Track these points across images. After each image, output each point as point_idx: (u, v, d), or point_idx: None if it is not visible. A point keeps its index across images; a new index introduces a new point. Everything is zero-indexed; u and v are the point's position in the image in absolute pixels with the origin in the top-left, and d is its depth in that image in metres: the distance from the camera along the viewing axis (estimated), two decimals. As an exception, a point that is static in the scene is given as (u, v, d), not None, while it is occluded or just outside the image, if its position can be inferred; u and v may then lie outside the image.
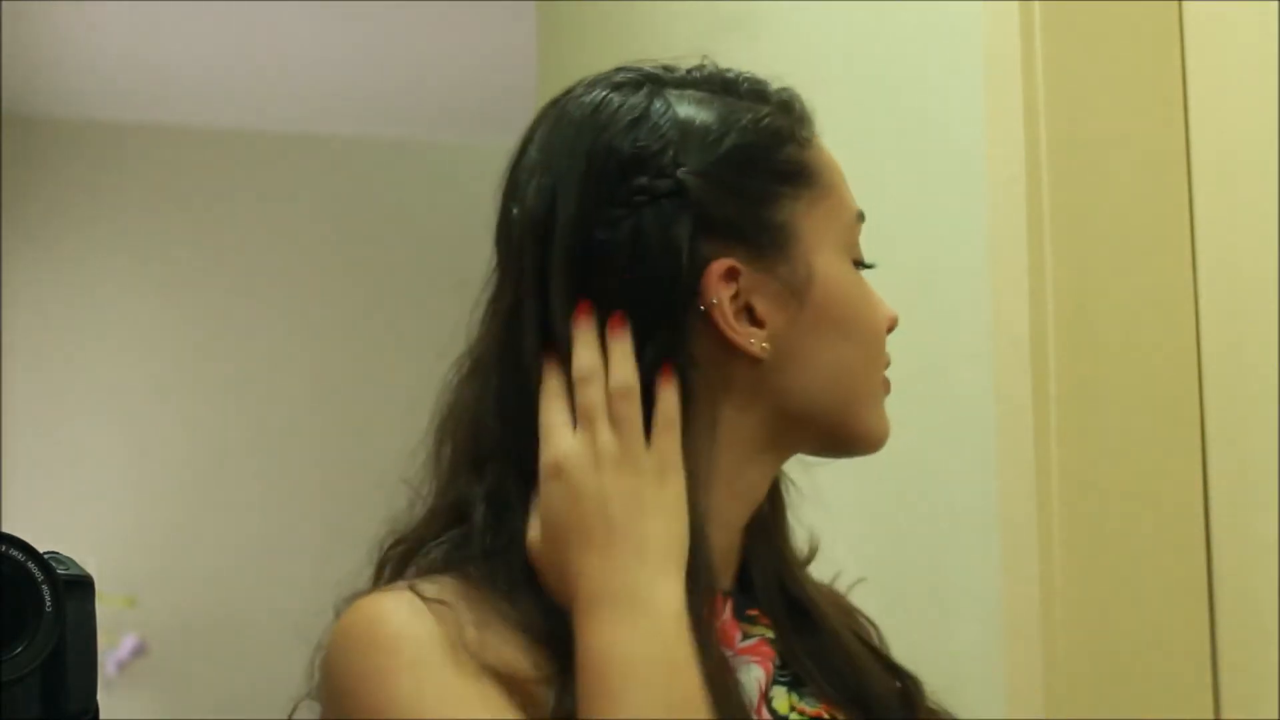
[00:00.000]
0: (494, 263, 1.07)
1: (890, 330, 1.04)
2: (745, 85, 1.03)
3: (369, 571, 1.03)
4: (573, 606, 0.90)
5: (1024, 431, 1.43)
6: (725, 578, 1.00)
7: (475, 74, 4.40)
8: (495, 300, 1.06)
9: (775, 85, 1.04)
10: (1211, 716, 1.40)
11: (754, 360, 0.97)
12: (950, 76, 1.60)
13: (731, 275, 0.97)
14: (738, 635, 1.00)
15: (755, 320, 0.98)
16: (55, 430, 4.58)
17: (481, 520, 0.98)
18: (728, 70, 1.04)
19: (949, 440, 1.60)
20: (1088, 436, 1.42)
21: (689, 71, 1.03)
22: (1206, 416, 1.43)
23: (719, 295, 0.96)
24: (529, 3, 3.14)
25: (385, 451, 4.28)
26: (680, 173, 0.96)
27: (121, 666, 4.47)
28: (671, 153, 0.97)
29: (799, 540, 1.09)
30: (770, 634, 1.02)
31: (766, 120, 1.00)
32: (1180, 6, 1.47)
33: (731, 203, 0.97)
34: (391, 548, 1.03)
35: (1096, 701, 1.40)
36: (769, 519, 1.05)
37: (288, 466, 4.71)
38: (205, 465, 4.67)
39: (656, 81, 1.01)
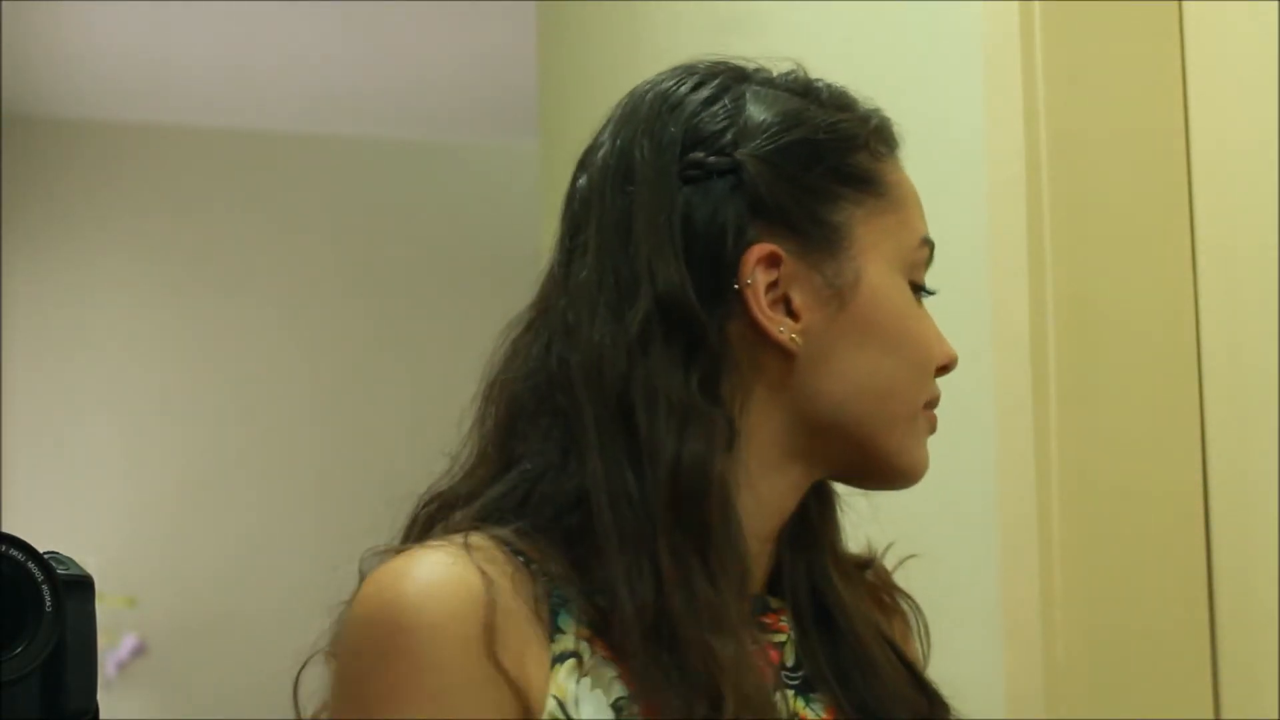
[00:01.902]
0: (558, 239, 1.04)
1: (947, 369, 1.03)
2: (827, 93, 1.03)
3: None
4: None
5: (1024, 431, 1.43)
6: (754, 584, 1.00)
7: (475, 74, 4.40)
8: (563, 265, 1.01)
9: (865, 104, 1.05)
10: (1211, 716, 1.40)
11: (787, 354, 0.97)
12: (950, 76, 1.60)
13: (772, 261, 0.97)
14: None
15: (792, 312, 0.97)
16: (55, 430, 4.58)
17: (522, 478, 0.97)
18: (817, 79, 1.04)
19: (949, 440, 1.60)
20: (1088, 436, 1.42)
21: (776, 74, 1.03)
22: (1206, 416, 1.43)
23: (755, 277, 0.96)
24: (529, 3, 3.14)
25: (384, 452, 4.33)
26: (739, 153, 0.97)
27: (121, 666, 4.47)
28: (732, 135, 0.98)
29: (850, 547, 1.09)
30: (780, 639, 1.02)
31: (841, 124, 1.00)
32: (1180, 6, 1.47)
33: (787, 191, 0.97)
34: (425, 505, 1.02)
35: (1096, 701, 1.40)
36: (814, 530, 1.05)
37: (287, 467, 4.71)
38: (205, 465, 4.67)
39: (737, 74, 1.02)
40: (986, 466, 1.49)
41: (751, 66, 1.04)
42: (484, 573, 0.90)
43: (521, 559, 0.93)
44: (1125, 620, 1.41)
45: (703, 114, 0.99)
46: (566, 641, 0.92)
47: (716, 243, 0.96)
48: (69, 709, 0.76)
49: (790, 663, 1.01)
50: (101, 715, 0.79)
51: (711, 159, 0.97)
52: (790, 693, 1.00)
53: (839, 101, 1.03)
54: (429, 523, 1.01)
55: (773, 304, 0.97)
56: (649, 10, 2.47)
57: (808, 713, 1.00)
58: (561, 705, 0.90)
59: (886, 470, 1.02)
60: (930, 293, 1.03)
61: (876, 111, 1.05)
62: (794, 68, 1.04)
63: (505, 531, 0.95)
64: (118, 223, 4.74)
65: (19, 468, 4.52)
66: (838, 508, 1.08)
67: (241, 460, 4.69)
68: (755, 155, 0.97)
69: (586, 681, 0.91)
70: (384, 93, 4.61)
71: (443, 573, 0.90)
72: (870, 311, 0.98)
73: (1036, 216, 1.43)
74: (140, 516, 4.59)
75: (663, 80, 1.03)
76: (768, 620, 1.02)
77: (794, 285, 0.97)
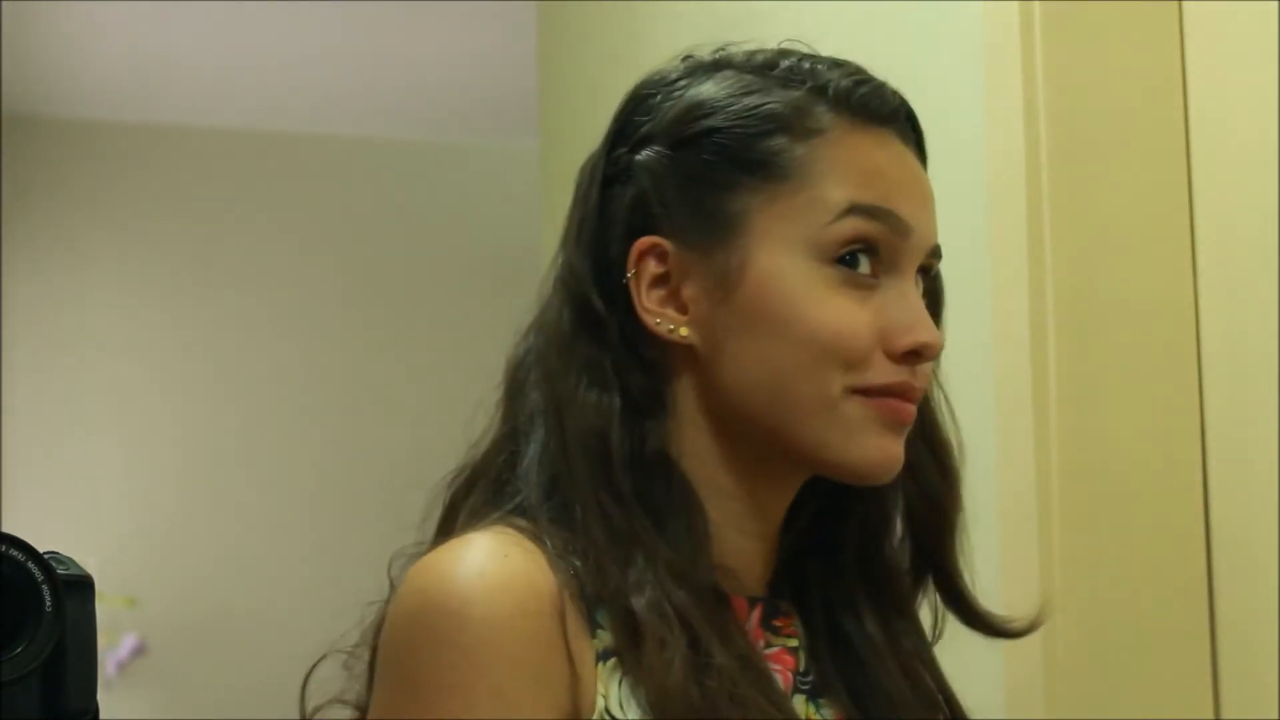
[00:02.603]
0: None
1: (917, 355, 0.96)
2: (785, 67, 1.01)
3: (375, 582, 1.01)
4: None
5: (1024, 431, 1.43)
6: (750, 583, 1.00)
7: (475, 74, 4.40)
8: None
9: (838, 72, 1.00)
10: (1211, 716, 1.40)
11: (687, 348, 0.97)
12: (950, 76, 1.60)
13: (658, 254, 0.97)
14: (760, 643, 0.99)
15: (683, 305, 0.97)
16: (55, 430, 4.58)
17: (504, 463, 0.99)
18: (789, 53, 1.02)
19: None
20: (1088, 435, 1.42)
21: (754, 53, 1.03)
22: (1206, 416, 1.43)
23: (637, 270, 0.97)
24: (529, 3, 3.14)
25: (385, 452, 4.33)
26: (641, 151, 0.98)
27: (121, 666, 4.47)
28: (647, 129, 0.99)
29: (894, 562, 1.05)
30: (793, 643, 1.01)
31: (766, 106, 0.98)
32: (1180, 6, 1.47)
33: (676, 186, 0.98)
34: (451, 483, 1.04)
35: (1096, 702, 1.40)
36: (832, 536, 1.03)
37: (287, 467, 4.71)
38: (205, 466, 4.67)
39: (705, 64, 1.02)
40: (987, 466, 1.49)
41: (739, 52, 1.03)
42: (544, 566, 0.91)
43: (552, 552, 0.93)
44: (1125, 620, 1.41)
45: (636, 110, 1.01)
46: (606, 638, 0.92)
47: (616, 240, 0.98)
48: (69, 709, 0.76)
49: (802, 667, 1.01)
50: (101, 715, 0.79)
51: (625, 156, 0.99)
52: (802, 697, 0.99)
53: (793, 76, 1.00)
54: (454, 505, 1.02)
55: (665, 298, 0.97)
56: (649, 10, 2.47)
57: (817, 716, 0.99)
58: (607, 705, 0.90)
59: (822, 464, 0.97)
60: (853, 258, 0.96)
61: (851, 78, 1.00)
62: (784, 43, 1.04)
63: (525, 523, 0.95)
64: (118, 222, 4.74)
65: (19, 468, 4.51)
66: (876, 517, 1.04)
67: (241, 460, 4.68)
68: (655, 152, 0.98)
69: (629, 681, 0.90)
70: (384, 93, 4.61)
71: (500, 565, 0.90)
72: (757, 299, 0.95)
73: (1036, 216, 1.43)
74: (140, 516, 4.59)
75: (645, 76, 1.04)
76: (779, 624, 1.01)
77: (685, 278, 0.97)
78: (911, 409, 0.97)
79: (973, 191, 1.52)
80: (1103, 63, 1.45)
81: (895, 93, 1.02)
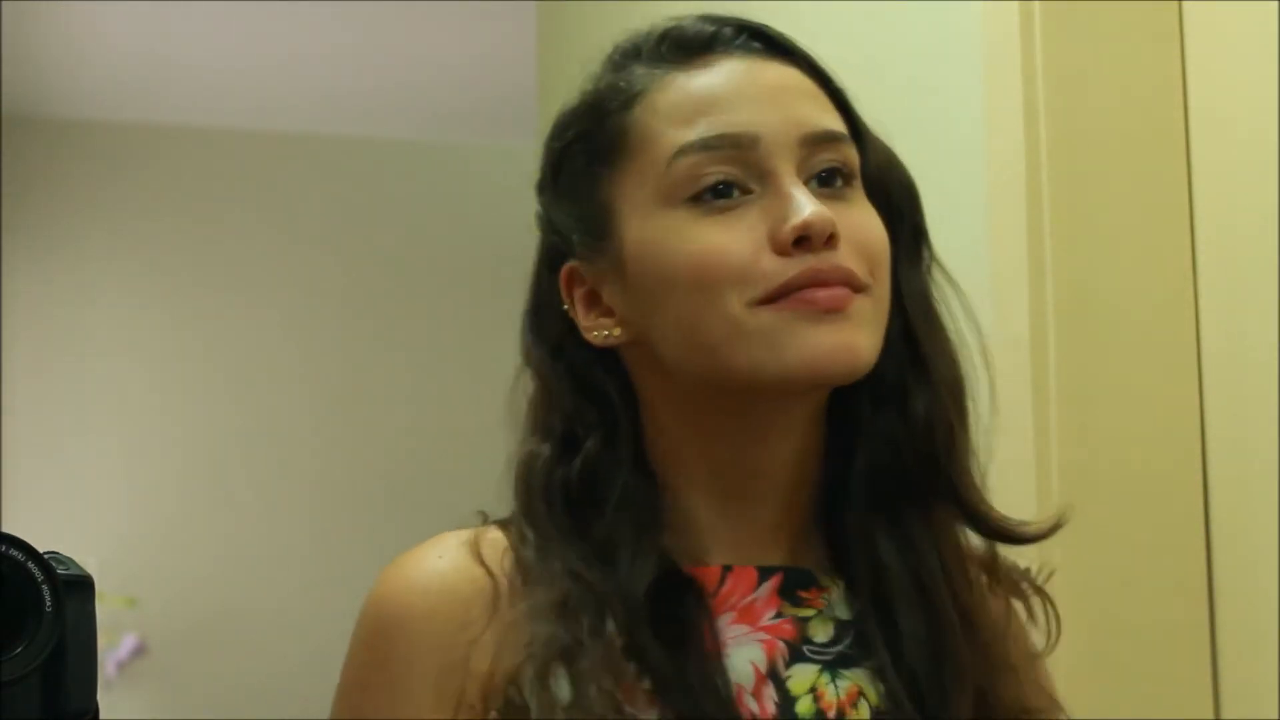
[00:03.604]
0: None
1: (804, 240, 0.92)
2: (618, 51, 1.04)
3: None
4: None
5: (1024, 431, 1.43)
6: (766, 552, 1.00)
7: (475, 74, 4.40)
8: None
9: (660, 28, 1.02)
10: (1211, 716, 1.40)
11: (630, 345, 1.00)
12: (950, 76, 1.60)
13: (573, 277, 1.01)
14: (768, 613, 0.99)
15: (607, 310, 1.00)
16: (55, 430, 4.58)
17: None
18: (630, 36, 1.04)
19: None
20: (1088, 435, 1.42)
21: (610, 50, 1.05)
22: (1206, 416, 1.43)
23: (569, 299, 1.01)
24: (529, 3, 3.14)
25: (385, 452, 4.33)
26: (539, 203, 1.04)
27: (121, 666, 4.47)
28: (538, 183, 1.05)
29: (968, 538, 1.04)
30: (807, 613, 1.00)
31: (598, 95, 1.01)
32: (1180, 6, 1.47)
33: (562, 209, 1.02)
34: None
35: (1096, 702, 1.39)
36: (880, 508, 1.01)
37: (287, 467, 4.70)
38: (205, 466, 4.67)
39: (575, 93, 1.05)
40: (986, 466, 1.49)
41: (620, 46, 1.05)
42: (480, 566, 0.96)
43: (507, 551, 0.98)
44: (1125, 620, 1.41)
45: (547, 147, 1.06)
46: None
47: (548, 284, 1.03)
48: (69, 709, 0.76)
49: (822, 638, 1.00)
50: (101, 715, 0.79)
51: (537, 211, 1.05)
52: (814, 667, 0.98)
53: (624, 55, 1.03)
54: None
55: (599, 311, 1.00)
56: (648, 10, 2.46)
57: (828, 688, 0.98)
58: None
59: (770, 386, 0.95)
60: (725, 187, 0.95)
61: (650, 38, 1.02)
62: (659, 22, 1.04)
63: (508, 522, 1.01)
64: (118, 222, 4.74)
65: (19, 468, 4.51)
66: (881, 449, 1.01)
67: (242, 460, 4.68)
68: (542, 194, 1.04)
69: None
70: (384, 93, 4.61)
71: (427, 567, 0.97)
72: (640, 269, 0.97)
73: (1036, 216, 1.43)
74: (140, 516, 4.59)
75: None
76: (807, 594, 1.00)
77: (601, 284, 1.00)
78: (833, 293, 0.93)
79: (973, 191, 1.52)
80: (1103, 63, 1.45)
81: (717, 16, 1.02)
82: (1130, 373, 1.43)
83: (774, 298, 0.93)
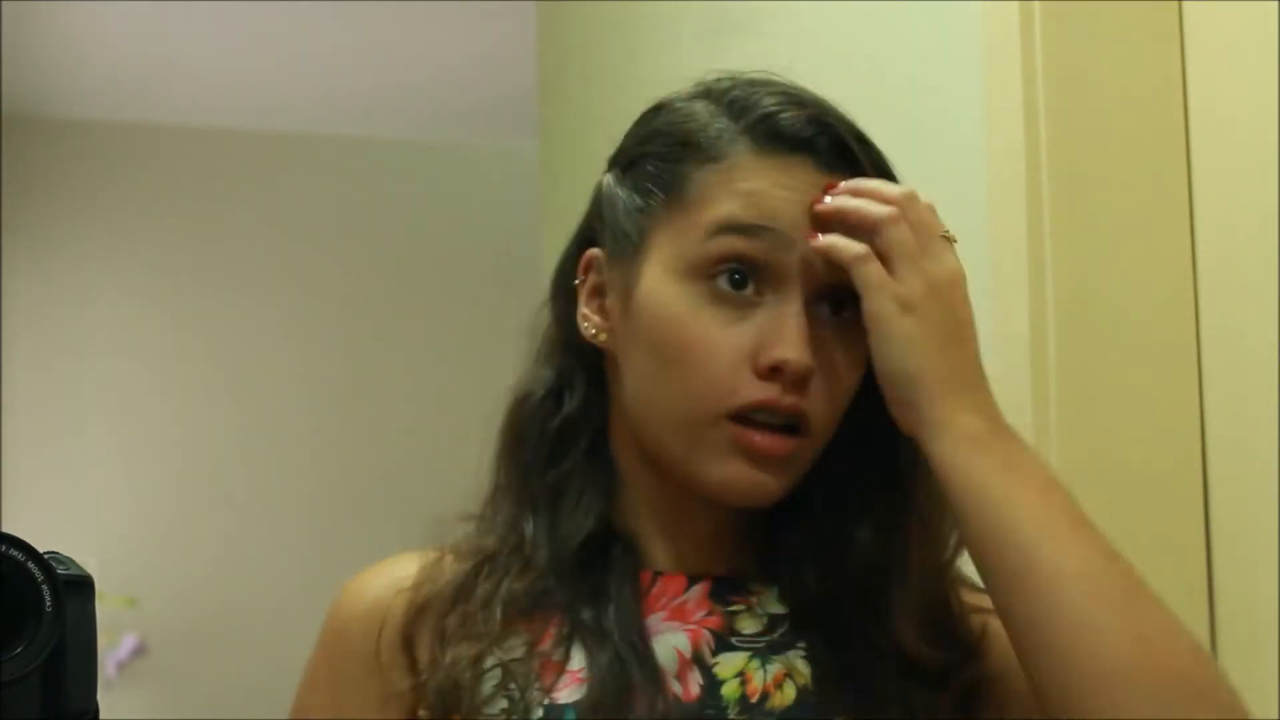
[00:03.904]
0: None
1: (778, 370, 0.97)
2: (731, 97, 1.04)
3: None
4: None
5: (1024, 431, 1.42)
6: (701, 562, 1.06)
7: (475, 74, 4.40)
8: None
9: (770, 100, 1.02)
10: (1211, 716, 1.40)
11: (612, 355, 1.05)
12: (950, 76, 1.60)
13: (596, 266, 1.06)
14: (698, 613, 1.04)
15: (605, 313, 1.05)
16: (56, 430, 4.58)
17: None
18: (747, 83, 1.05)
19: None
20: (1088, 435, 1.42)
21: (725, 82, 1.06)
22: (1206, 416, 1.43)
23: (581, 277, 1.07)
24: (529, 3, 3.14)
25: (385, 452, 4.31)
26: (608, 172, 1.07)
27: (121, 666, 4.47)
28: (618, 150, 1.08)
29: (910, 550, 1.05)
30: (736, 608, 1.05)
31: (690, 133, 1.03)
32: (1180, 6, 1.47)
33: (614, 203, 1.05)
34: None
35: (1096, 701, 1.39)
36: (814, 522, 1.06)
37: (287, 467, 4.71)
38: (205, 466, 4.67)
39: (691, 93, 1.07)
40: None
41: (722, 80, 1.06)
42: (412, 577, 1.06)
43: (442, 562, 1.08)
44: (1125, 620, 1.41)
45: (628, 132, 1.09)
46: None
47: (574, 251, 1.09)
48: (69, 709, 0.76)
49: (750, 630, 1.04)
50: (101, 715, 0.79)
51: (602, 174, 1.09)
52: (742, 654, 1.03)
53: (732, 106, 1.03)
54: None
55: (599, 305, 1.06)
56: (648, 10, 2.47)
57: (756, 673, 1.02)
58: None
59: (687, 480, 1.01)
60: (742, 278, 0.98)
61: (757, 110, 1.02)
62: (757, 72, 1.06)
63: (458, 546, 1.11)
64: (118, 223, 4.74)
65: (19, 468, 4.51)
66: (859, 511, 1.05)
67: (242, 460, 4.69)
68: (612, 172, 1.07)
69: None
70: (384, 93, 4.61)
71: (369, 576, 1.09)
72: (640, 314, 1.01)
73: (1036, 216, 1.43)
74: (140, 516, 4.59)
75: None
76: (735, 598, 1.05)
77: (610, 289, 1.05)
78: (771, 442, 0.98)
79: (973, 191, 1.52)
80: (1103, 63, 1.45)
81: (821, 121, 1.02)
82: (1130, 373, 1.43)
83: (733, 416, 0.98)
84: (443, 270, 4.85)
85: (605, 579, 1.03)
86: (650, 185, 1.03)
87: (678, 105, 1.05)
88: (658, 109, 1.07)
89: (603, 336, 1.05)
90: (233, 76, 4.48)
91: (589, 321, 1.06)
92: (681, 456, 1.00)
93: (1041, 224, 1.43)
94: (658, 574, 1.05)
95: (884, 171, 1.03)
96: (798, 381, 0.97)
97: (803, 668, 1.03)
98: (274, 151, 4.87)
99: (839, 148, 1.01)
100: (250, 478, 4.68)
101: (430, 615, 1.04)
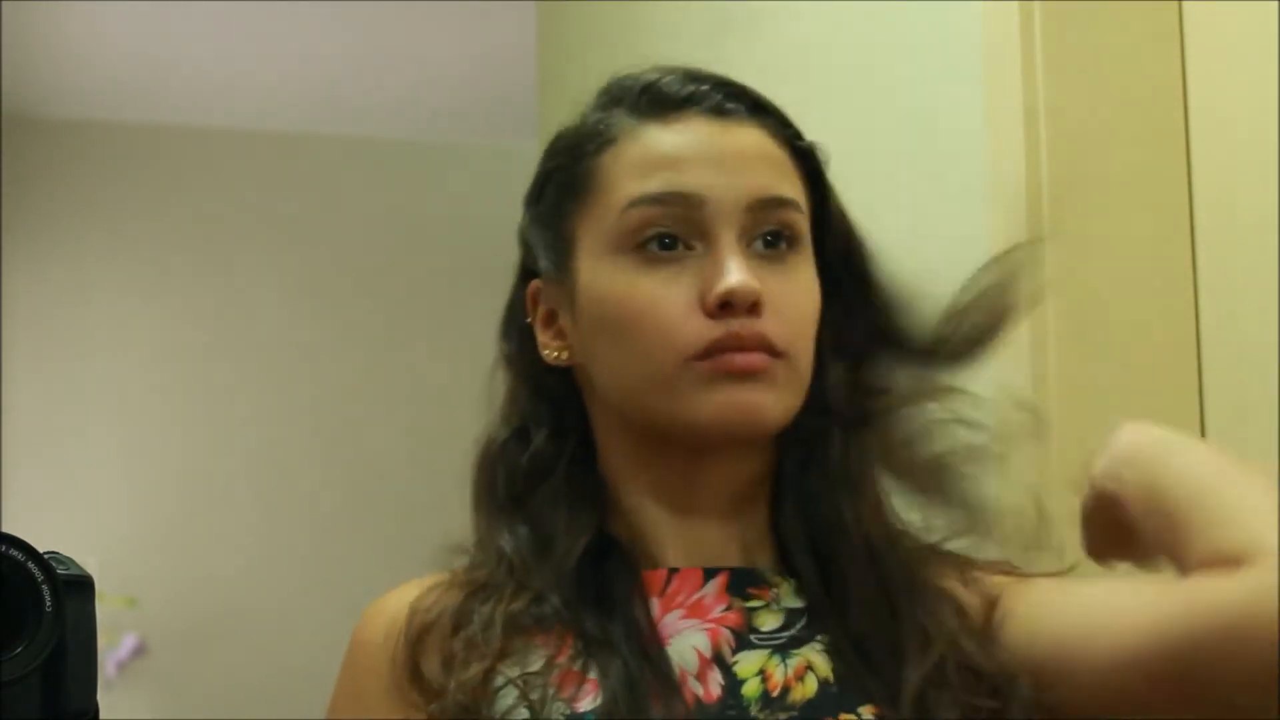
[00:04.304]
0: None
1: (727, 305, 1.00)
2: (609, 91, 1.10)
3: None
4: None
5: (1023, 431, 1.42)
6: (718, 556, 1.06)
7: (475, 74, 4.40)
8: None
9: (648, 78, 1.07)
10: (1211, 716, 1.39)
11: (580, 369, 1.07)
12: (950, 76, 1.60)
13: (537, 295, 1.10)
14: (717, 607, 1.04)
15: (560, 333, 1.08)
16: (55, 430, 4.58)
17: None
18: (624, 76, 1.10)
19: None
20: (1088, 436, 1.42)
21: (607, 85, 1.11)
22: (1206, 416, 1.43)
23: (532, 313, 1.10)
24: (529, 2, 3.14)
25: (384, 453, 4.33)
26: (524, 216, 1.12)
27: (121, 666, 4.47)
28: (528, 192, 1.13)
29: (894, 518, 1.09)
30: (755, 604, 1.05)
31: (579, 132, 1.09)
32: (1180, 6, 1.47)
33: (537, 230, 1.10)
34: None
35: (1096, 701, 1.39)
36: (819, 505, 1.07)
37: (287, 467, 4.70)
38: (205, 466, 4.67)
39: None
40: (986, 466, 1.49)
41: (611, 85, 1.11)
42: (408, 601, 1.07)
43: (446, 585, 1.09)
44: (1125, 620, 1.41)
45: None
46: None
47: (518, 294, 1.12)
48: (69, 709, 0.76)
49: (769, 626, 1.04)
50: (101, 715, 0.79)
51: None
52: (761, 652, 1.03)
53: (612, 95, 1.09)
54: None
55: (555, 331, 1.09)
56: (648, 10, 2.47)
57: (776, 669, 1.02)
58: None
59: (686, 433, 1.03)
60: (670, 240, 1.02)
61: (635, 87, 1.08)
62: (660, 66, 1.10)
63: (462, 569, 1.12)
64: (117, 223, 4.74)
65: (19, 468, 4.51)
66: (856, 483, 1.07)
67: (242, 460, 4.68)
68: (524, 211, 1.12)
69: None
70: (384, 93, 4.61)
71: (386, 599, 1.10)
72: (588, 307, 1.05)
73: (1036, 216, 1.43)
74: (140, 516, 4.59)
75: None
76: (755, 591, 1.06)
77: (558, 308, 1.08)
78: (748, 358, 1.00)
79: (973, 191, 1.52)
80: (1103, 63, 1.45)
81: (698, 76, 1.07)
82: (1130, 372, 1.43)
83: (700, 357, 1.01)
84: (443, 270, 4.85)
85: (608, 589, 1.04)
86: (561, 194, 1.08)
87: (566, 124, 1.11)
88: (552, 139, 1.12)
89: (565, 355, 1.08)
90: (233, 76, 4.48)
91: (549, 347, 1.08)
92: (669, 411, 1.01)
93: (1041, 224, 1.43)
94: (672, 571, 1.06)
95: (777, 115, 1.08)
96: (750, 308, 1.00)
97: (821, 661, 1.03)
98: (274, 151, 4.87)
99: (724, 92, 1.06)
100: (250, 478, 4.67)
101: (434, 638, 1.04)
